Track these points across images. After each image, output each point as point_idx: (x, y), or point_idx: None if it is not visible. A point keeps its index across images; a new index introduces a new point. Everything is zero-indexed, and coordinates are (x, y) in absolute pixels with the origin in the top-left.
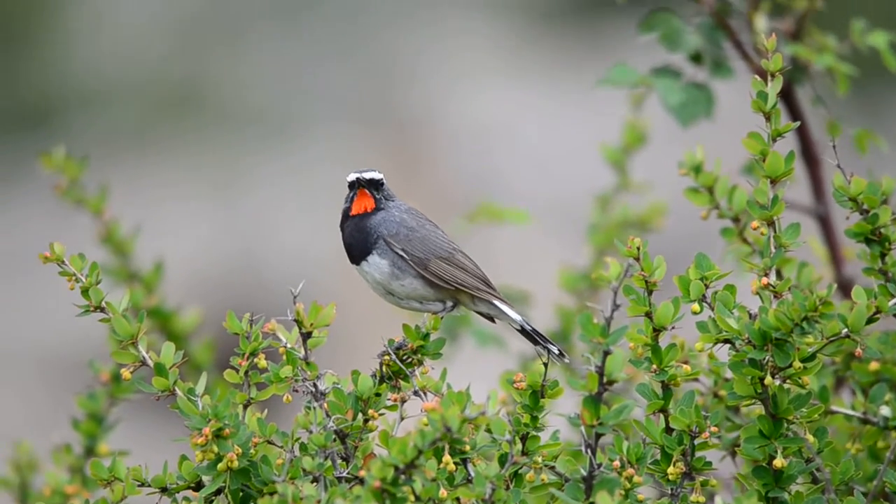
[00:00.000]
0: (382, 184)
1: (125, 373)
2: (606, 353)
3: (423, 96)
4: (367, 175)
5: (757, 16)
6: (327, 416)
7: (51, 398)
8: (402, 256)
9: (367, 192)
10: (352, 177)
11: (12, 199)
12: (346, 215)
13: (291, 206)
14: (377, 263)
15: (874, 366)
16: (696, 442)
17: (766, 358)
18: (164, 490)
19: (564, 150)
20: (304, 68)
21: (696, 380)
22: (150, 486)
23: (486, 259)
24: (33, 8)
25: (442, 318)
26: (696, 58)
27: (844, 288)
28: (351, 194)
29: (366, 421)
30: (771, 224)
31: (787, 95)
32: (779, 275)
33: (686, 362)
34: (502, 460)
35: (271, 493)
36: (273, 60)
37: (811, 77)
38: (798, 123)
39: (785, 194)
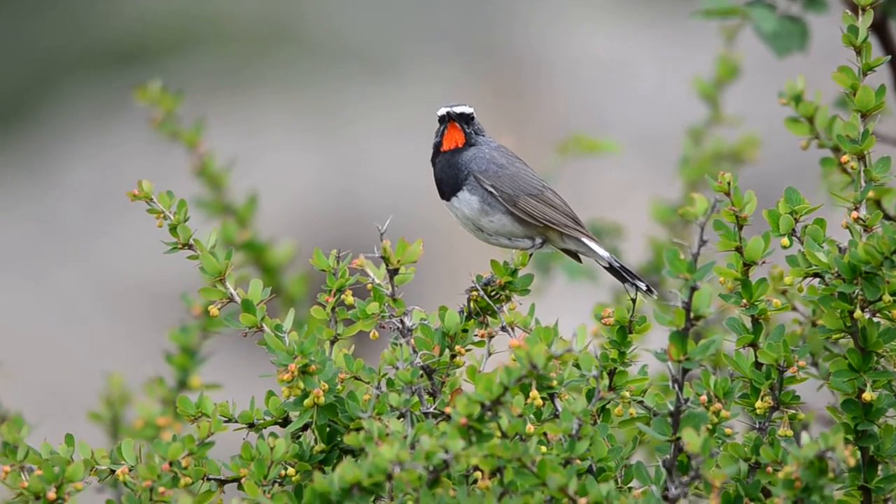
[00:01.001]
0: (473, 118)
1: (213, 309)
2: (693, 289)
3: (522, 32)
4: (458, 109)
5: None
6: (414, 351)
7: (150, 332)
8: (491, 193)
9: (457, 126)
10: (442, 111)
11: (110, 136)
12: (436, 150)
13: (390, 143)
14: (467, 199)
15: None
16: (785, 376)
17: (856, 291)
18: (250, 426)
19: (662, 85)
20: (404, 3)
21: (795, 309)
22: (237, 421)
23: (580, 193)
24: None
25: (531, 255)
26: None
27: None
28: (441, 128)
29: (453, 357)
30: (861, 158)
31: (880, 29)
32: (879, 205)
33: (784, 292)
34: (589, 395)
35: (358, 429)
36: None
37: None
38: (889, 57)
39: (876, 128)
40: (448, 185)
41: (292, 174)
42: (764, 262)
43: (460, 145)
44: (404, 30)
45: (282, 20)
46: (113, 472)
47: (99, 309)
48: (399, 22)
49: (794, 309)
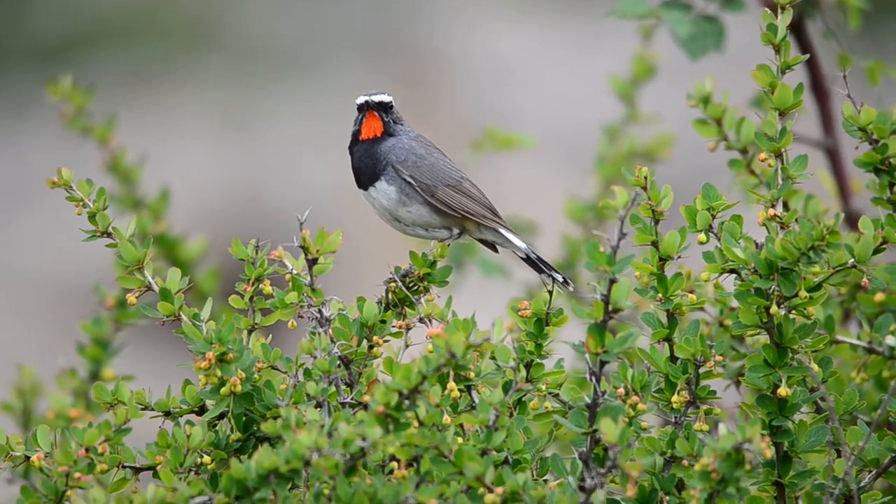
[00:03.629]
0: (392, 107)
1: (131, 298)
2: (612, 282)
3: (434, 30)
4: (377, 98)
5: None
6: (332, 341)
7: (57, 325)
8: (409, 183)
9: (376, 115)
10: (361, 99)
11: (23, 130)
12: (354, 138)
13: (301, 139)
14: (385, 189)
15: (880, 296)
16: (701, 371)
17: (772, 287)
18: (167, 414)
19: (575, 84)
20: (319, 4)
21: (702, 309)
22: (153, 409)
23: (494, 191)
24: None
25: (448, 245)
26: None
27: (851, 221)
28: (360, 117)
29: (370, 347)
30: (779, 156)
31: (797, 29)
32: (785, 207)
33: (692, 291)
34: (506, 387)
35: (274, 418)
36: None
37: (822, 11)
38: (807, 56)
39: (793, 127)
40: (366, 174)
41: (203, 170)
42: (680, 257)
43: (378, 134)
44: (315, 29)
45: (196, 18)
46: (28, 458)
47: (7, 303)
48: (310, 21)
49: (702, 309)
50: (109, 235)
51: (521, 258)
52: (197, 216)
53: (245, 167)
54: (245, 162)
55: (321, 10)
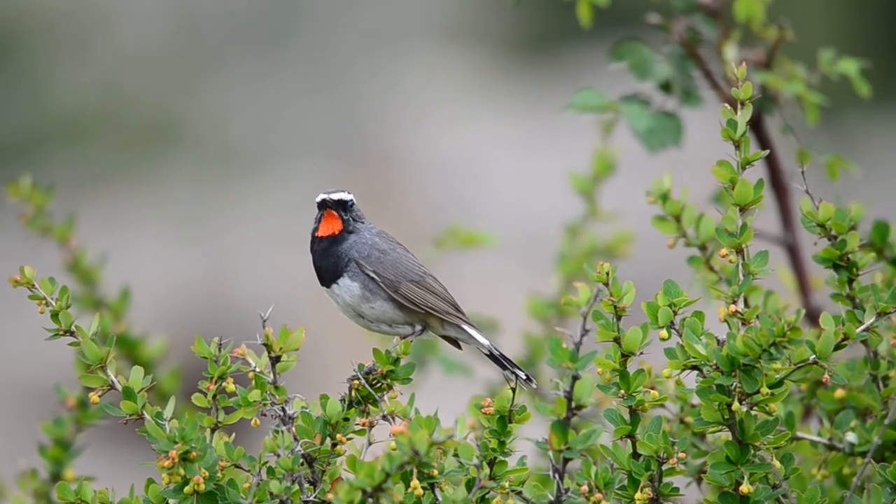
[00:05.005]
0: (352, 205)
1: (93, 397)
2: (575, 378)
3: (392, 130)
4: (335, 196)
5: (727, 45)
6: (295, 440)
7: (18, 425)
8: (373, 279)
9: (334, 213)
10: (319, 197)
11: None
12: (314, 236)
13: (262, 236)
14: (348, 286)
15: (840, 393)
16: (664, 468)
17: (734, 384)
18: None
19: (534, 181)
20: (276, 104)
21: (663, 406)
22: None
23: (455, 289)
24: (3, 41)
25: (412, 341)
26: (666, 87)
27: (812, 316)
28: (319, 215)
29: (334, 445)
30: (740, 252)
31: (756, 125)
32: (745, 303)
33: (653, 388)
34: (470, 485)
35: None
36: (245, 96)
37: (781, 106)
38: (767, 152)
39: (754, 223)
40: (328, 271)
41: (164, 268)
42: (642, 353)
43: (336, 232)
44: (274, 126)
45: (155, 116)
46: None
47: None
48: (269, 119)
49: (663, 406)
50: (72, 334)
51: (485, 354)
52: (158, 314)
53: (206, 264)
54: (206, 259)
55: (280, 108)
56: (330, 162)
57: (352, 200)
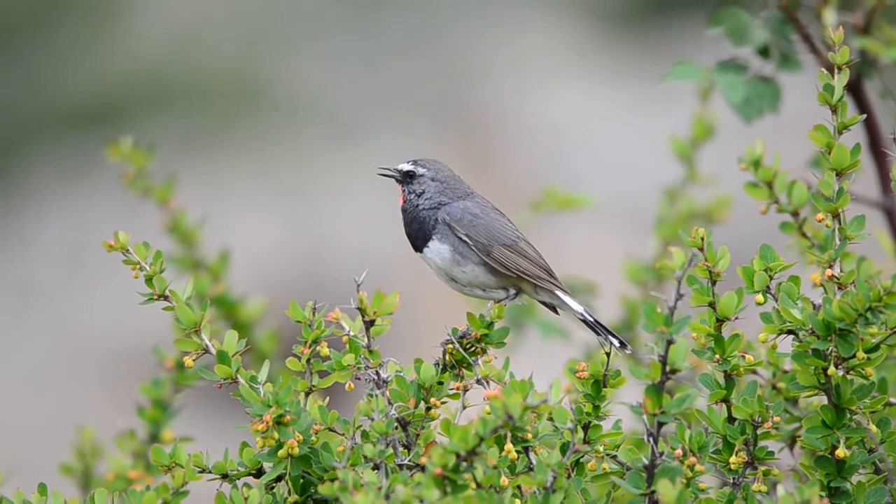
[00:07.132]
0: (414, 175)
1: (188, 361)
2: (670, 343)
3: (493, 95)
4: (402, 167)
5: (826, 9)
6: (389, 403)
7: (117, 386)
8: (465, 242)
9: (400, 186)
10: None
11: (81, 195)
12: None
13: (359, 204)
14: (438, 249)
15: None
16: (759, 432)
17: (830, 348)
18: (224, 476)
19: (634, 146)
20: (375, 67)
21: (755, 372)
22: (211, 472)
23: (556, 252)
24: (103, 5)
25: (505, 306)
26: (764, 52)
27: None
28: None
29: (428, 409)
30: (836, 216)
31: (855, 89)
32: (841, 268)
33: (743, 355)
34: (564, 449)
35: (332, 480)
36: (343, 59)
37: (880, 70)
38: (864, 116)
39: (851, 187)
40: (416, 237)
41: (261, 232)
42: (737, 318)
43: (402, 203)
44: (374, 93)
45: (254, 80)
46: None
47: (67, 365)
48: (368, 83)
49: (755, 372)
50: (166, 298)
51: (579, 319)
52: (255, 278)
53: (303, 229)
54: (302, 224)
55: (379, 73)
56: (428, 125)
57: (413, 171)
